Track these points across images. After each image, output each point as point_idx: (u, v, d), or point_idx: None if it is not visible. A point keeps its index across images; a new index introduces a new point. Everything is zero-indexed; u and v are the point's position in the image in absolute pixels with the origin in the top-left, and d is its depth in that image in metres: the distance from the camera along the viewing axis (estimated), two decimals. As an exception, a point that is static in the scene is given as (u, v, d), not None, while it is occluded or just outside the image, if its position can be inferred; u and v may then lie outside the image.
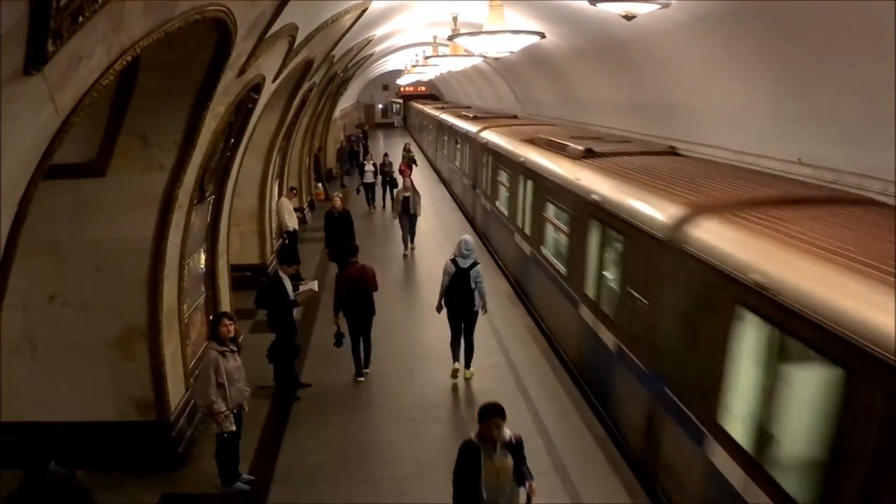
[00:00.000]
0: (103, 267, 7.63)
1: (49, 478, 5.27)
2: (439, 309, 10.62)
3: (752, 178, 8.81)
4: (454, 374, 10.54)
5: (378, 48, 25.78)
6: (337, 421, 9.32)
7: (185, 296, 8.84)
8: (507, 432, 5.54)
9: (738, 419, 5.87)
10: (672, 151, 12.26)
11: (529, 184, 13.62)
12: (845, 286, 4.80)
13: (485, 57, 15.35)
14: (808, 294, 4.97)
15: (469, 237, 10.49)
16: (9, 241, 4.29)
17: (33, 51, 3.44)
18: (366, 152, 31.11)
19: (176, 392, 8.34)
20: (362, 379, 10.55)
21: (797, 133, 10.68)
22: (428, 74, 36.06)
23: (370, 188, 24.86)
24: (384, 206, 24.67)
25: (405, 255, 17.99)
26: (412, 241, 18.20)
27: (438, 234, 20.00)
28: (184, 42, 6.18)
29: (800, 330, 5.01)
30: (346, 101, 40.88)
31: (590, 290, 9.81)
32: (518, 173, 14.67)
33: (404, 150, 31.22)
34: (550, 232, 12.27)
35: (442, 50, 20.41)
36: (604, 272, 9.30)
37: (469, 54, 15.85)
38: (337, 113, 33.82)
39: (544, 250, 12.50)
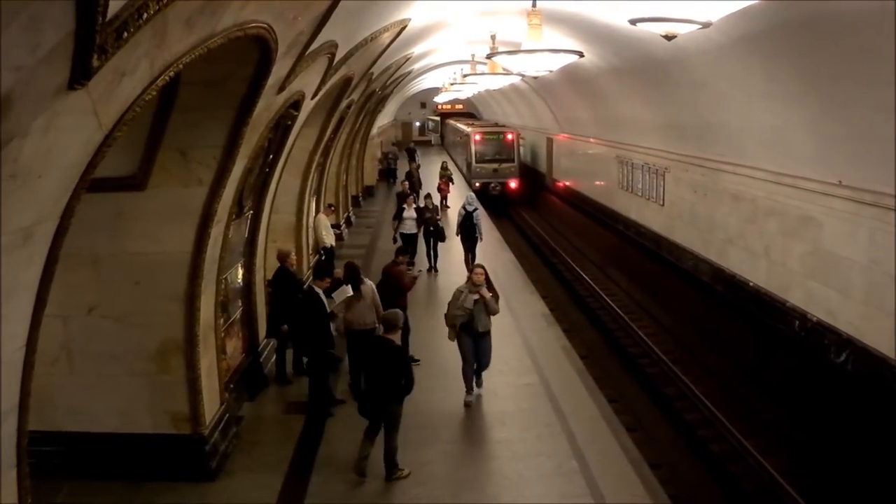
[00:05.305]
0: (141, 280, 7.71)
1: None
2: (457, 234, 17.91)
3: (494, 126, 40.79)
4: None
5: (416, 66, 25.92)
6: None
7: (221, 310, 8.89)
8: None
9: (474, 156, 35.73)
10: (518, 130, 37.29)
11: (459, 136, 41.16)
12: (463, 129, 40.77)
13: (523, 75, 15.34)
14: (456, 126, 46.99)
15: (472, 193, 20.30)
16: (51, 252, 4.34)
17: (78, 66, 3.47)
18: (413, 191, 22.64)
19: (211, 406, 8.36)
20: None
21: (836, 153, 10.49)
22: (466, 92, 36.26)
23: (411, 241, 17.62)
24: (431, 270, 17.87)
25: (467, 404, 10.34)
26: (479, 381, 10.63)
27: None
28: (225, 58, 6.23)
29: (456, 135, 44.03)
30: (385, 119, 41.41)
31: (456, 154, 44.04)
32: (459, 134, 41.19)
33: (442, 168, 31.44)
34: (457, 146, 43.13)
35: (480, 68, 20.40)
36: (458, 146, 43.41)
37: (507, 73, 15.85)
38: (374, 130, 34.07)
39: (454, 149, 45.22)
